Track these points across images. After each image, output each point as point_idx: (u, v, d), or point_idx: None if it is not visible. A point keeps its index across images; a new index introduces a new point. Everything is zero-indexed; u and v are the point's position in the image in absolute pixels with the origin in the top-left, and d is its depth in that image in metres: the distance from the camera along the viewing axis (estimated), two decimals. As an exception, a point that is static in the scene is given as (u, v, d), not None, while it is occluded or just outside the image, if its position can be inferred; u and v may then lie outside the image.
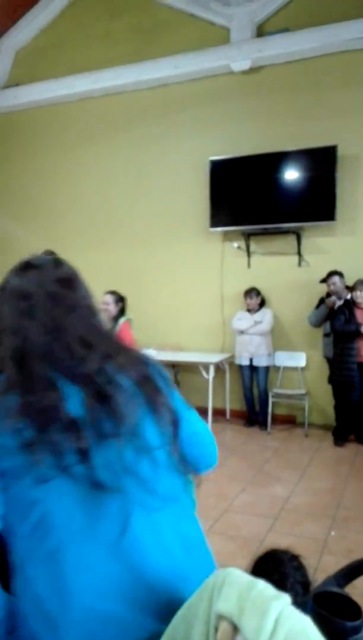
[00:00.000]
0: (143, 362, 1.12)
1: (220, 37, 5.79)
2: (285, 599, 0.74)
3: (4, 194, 7.19)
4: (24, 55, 6.96)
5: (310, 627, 0.69)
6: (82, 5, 6.59)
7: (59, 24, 6.73)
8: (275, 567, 1.41)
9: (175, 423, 1.08)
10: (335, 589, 1.01)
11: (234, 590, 0.76)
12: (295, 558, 1.46)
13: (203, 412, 5.74)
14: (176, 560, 0.98)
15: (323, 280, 5.18)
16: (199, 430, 1.23)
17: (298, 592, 1.29)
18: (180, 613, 0.85)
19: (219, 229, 5.89)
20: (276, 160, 5.56)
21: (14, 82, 6.93)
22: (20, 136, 7.06)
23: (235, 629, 0.74)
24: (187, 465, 1.10)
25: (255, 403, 5.73)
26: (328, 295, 5.14)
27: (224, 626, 0.75)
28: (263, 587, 0.76)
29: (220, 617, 0.75)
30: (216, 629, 0.76)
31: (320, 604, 0.94)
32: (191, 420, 1.19)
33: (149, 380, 1.08)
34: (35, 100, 6.78)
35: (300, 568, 1.43)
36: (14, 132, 7.10)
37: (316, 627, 0.75)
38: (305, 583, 1.39)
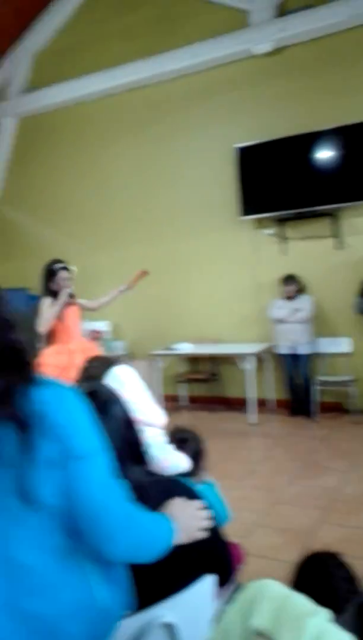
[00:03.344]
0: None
1: (239, 20, 5.65)
2: (323, 614, 0.73)
3: (33, 196, 7.21)
4: (42, 58, 6.96)
5: None
6: (96, 3, 6.55)
7: (75, 24, 6.71)
8: (318, 570, 1.35)
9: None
10: None
11: (269, 604, 0.76)
12: (334, 556, 1.38)
13: (245, 403, 5.62)
14: None
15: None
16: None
17: (343, 588, 1.25)
18: (217, 627, 0.85)
19: (251, 216, 5.76)
20: (307, 141, 5.39)
21: (34, 86, 6.93)
22: (45, 138, 7.07)
23: None
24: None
25: (298, 392, 5.58)
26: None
27: None
28: (299, 601, 0.76)
29: (256, 633, 0.76)
30: None
31: None
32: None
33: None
34: (56, 102, 6.77)
35: (342, 566, 1.36)
36: (39, 135, 7.10)
37: None
38: (349, 578, 1.33)
